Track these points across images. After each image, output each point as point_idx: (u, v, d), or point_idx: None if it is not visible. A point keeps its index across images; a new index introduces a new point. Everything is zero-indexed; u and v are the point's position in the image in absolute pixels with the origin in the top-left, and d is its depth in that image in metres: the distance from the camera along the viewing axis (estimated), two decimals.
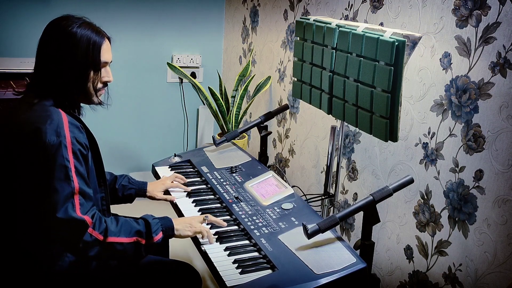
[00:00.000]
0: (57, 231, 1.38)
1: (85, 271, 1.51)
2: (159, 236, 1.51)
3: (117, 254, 1.45)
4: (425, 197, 1.89)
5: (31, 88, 1.50)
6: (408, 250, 2.00)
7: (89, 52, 1.46)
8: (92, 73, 1.48)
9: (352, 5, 2.24)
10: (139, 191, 1.90)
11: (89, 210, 1.41)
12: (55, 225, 1.36)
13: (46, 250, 1.45)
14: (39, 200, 1.36)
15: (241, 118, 3.12)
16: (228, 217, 1.75)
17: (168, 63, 3.14)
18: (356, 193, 2.30)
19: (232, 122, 3.09)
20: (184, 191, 1.94)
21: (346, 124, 2.20)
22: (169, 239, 1.64)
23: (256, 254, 1.54)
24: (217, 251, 1.55)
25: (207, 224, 1.66)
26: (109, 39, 1.54)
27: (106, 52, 1.51)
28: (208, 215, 1.67)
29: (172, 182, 1.95)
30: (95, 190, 1.54)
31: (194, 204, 1.85)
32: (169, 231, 1.56)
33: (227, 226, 1.68)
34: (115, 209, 1.86)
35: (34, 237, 1.44)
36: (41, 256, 1.45)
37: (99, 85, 1.52)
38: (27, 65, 2.78)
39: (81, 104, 1.59)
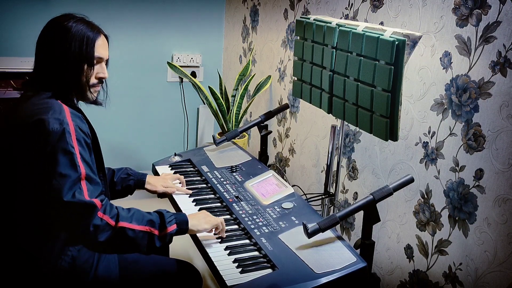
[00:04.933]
0: (66, 216, 1.36)
1: (85, 270, 1.51)
2: (172, 227, 1.49)
3: (128, 241, 1.42)
4: (425, 196, 1.89)
5: (30, 84, 1.51)
6: (408, 249, 2.00)
7: (83, 45, 1.47)
8: (85, 66, 1.48)
9: (352, 4, 2.24)
10: (138, 182, 1.89)
11: (98, 195, 1.39)
12: (62, 210, 1.34)
13: (46, 250, 1.45)
14: (45, 187, 1.35)
15: (241, 118, 3.12)
16: (228, 216, 1.75)
17: (168, 63, 3.14)
18: (356, 193, 2.30)
19: (232, 121, 3.09)
20: (186, 194, 1.92)
21: (346, 123, 2.20)
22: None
23: (256, 253, 1.54)
24: (217, 251, 1.55)
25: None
26: (106, 36, 1.56)
27: (101, 48, 1.52)
28: (221, 217, 1.67)
29: (173, 181, 1.96)
30: None
31: (195, 203, 1.85)
32: (183, 224, 1.53)
33: (227, 226, 1.69)
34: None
35: (35, 237, 1.43)
36: (41, 256, 1.45)
37: (94, 81, 1.53)
38: (27, 64, 2.78)
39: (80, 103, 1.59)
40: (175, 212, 1.59)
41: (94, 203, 1.36)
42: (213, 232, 1.61)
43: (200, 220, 1.58)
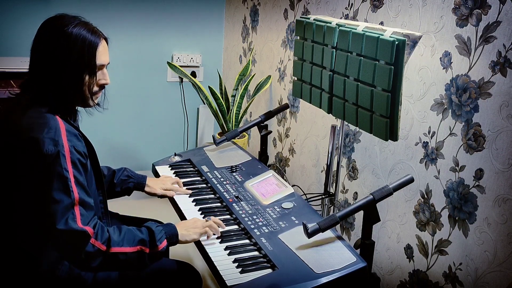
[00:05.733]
0: (58, 243, 1.35)
1: (84, 275, 1.49)
2: (163, 244, 1.49)
3: (120, 264, 1.43)
4: (425, 196, 1.89)
5: (26, 89, 1.47)
6: (408, 249, 2.00)
7: (84, 54, 1.41)
8: (87, 76, 1.44)
9: (352, 4, 2.24)
10: (138, 184, 1.88)
11: (91, 220, 1.38)
12: (56, 237, 1.33)
13: (46, 250, 1.44)
14: (38, 211, 1.34)
15: (241, 118, 3.12)
16: (228, 216, 1.75)
17: (168, 63, 3.14)
18: (356, 192, 2.30)
19: (232, 121, 3.09)
20: (186, 194, 1.93)
21: (346, 123, 2.20)
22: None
23: (256, 253, 1.54)
24: (217, 250, 1.55)
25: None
26: (106, 39, 1.50)
27: (103, 54, 1.47)
28: (211, 217, 1.66)
29: (172, 184, 1.94)
30: (93, 194, 1.51)
31: (195, 203, 1.85)
32: (173, 238, 1.53)
33: (227, 226, 1.68)
34: (119, 211, 1.87)
35: (35, 242, 1.42)
36: (42, 260, 1.44)
37: (95, 88, 1.49)
38: (27, 64, 2.77)
39: (78, 108, 1.56)
40: (164, 224, 1.57)
41: (86, 231, 1.35)
42: (207, 236, 1.60)
43: (189, 230, 1.57)
